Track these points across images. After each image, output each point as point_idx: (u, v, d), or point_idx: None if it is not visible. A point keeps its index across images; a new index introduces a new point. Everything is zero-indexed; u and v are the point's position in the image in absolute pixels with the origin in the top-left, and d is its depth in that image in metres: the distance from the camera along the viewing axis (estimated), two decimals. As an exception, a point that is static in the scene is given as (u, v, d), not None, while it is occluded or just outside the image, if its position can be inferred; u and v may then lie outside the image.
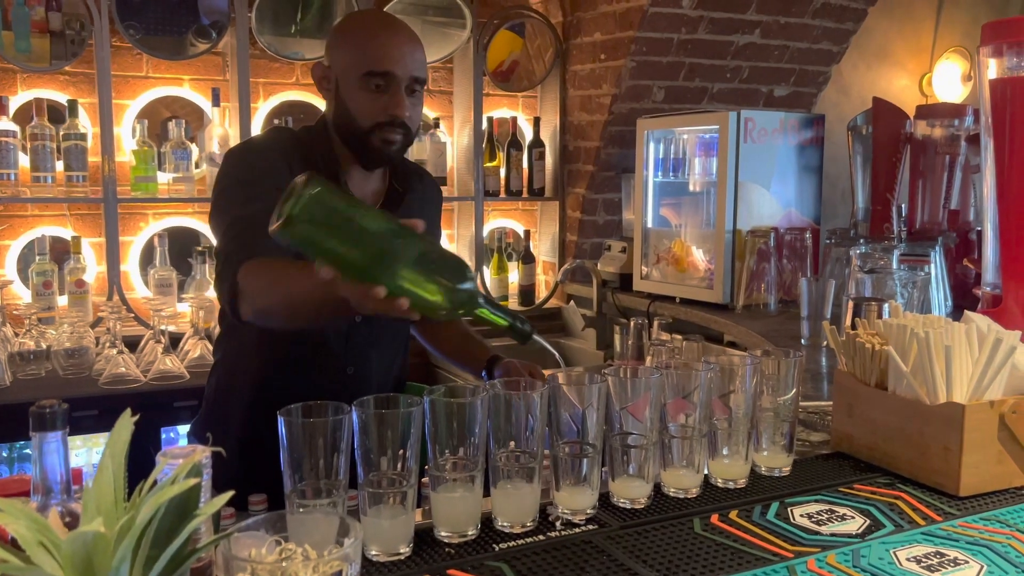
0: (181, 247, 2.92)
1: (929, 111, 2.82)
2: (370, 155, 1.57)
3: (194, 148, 2.86)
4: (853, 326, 1.36)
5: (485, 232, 3.37)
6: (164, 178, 2.82)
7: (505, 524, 1.03)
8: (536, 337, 1.18)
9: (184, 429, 2.46)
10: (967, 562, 0.96)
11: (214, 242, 1.54)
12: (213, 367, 1.74)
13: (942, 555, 0.98)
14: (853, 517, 1.08)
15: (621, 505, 1.10)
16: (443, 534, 1.01)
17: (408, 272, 1.03)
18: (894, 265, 2.06)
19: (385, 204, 1.65)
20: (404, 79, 1.52)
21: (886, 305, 1.68)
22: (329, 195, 1.01)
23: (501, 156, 3.33)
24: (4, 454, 2.47)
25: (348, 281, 1.03)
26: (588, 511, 1.07)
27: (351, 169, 1.59)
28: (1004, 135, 1.30)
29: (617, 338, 2.58)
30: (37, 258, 2.67)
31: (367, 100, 1.51)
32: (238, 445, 1.42)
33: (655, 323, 2.44)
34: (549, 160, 3.43)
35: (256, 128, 3.00)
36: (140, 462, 0.68)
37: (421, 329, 1.86)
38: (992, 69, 1.34)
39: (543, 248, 3.55)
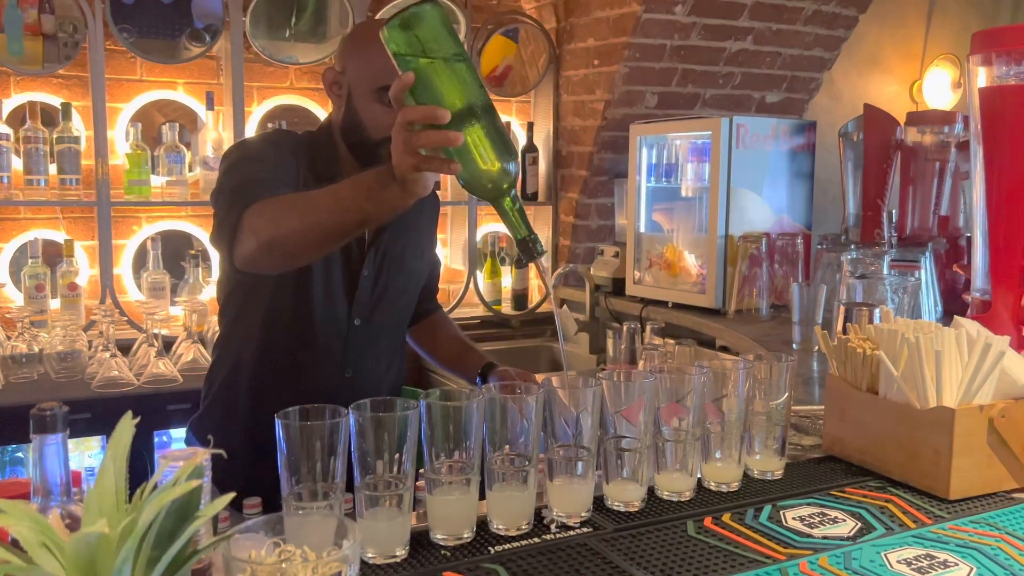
0: (174, 250, 2.92)
1: (919, 118, 2.84)
2: (379, 165, 1.57)
3: (188, 152, 2.86)
4: (844, 331, 1.38)
5: (478, 236, 3.38)
6: (157, 181, 2.82)
7: (500, 527, 1.04)
8: (540, 262, 1.15)
9: (177, 433, 2.46)
10: (957, 564, 0.97)
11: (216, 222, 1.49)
12: (211, 367, 1.74)
13: (932, 557, 0.99)
14: (844, 520, 1.09)
15: (615, 508, 1.11)
16: (439, 537, 1.01)
17: (476, 124, 1.05)
18: (885, 270, 2.08)
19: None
20: None
21: (877, 310, 1.69)
22: (447, 24, 1.05)
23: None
24: (-4, 457, 2.46)
25: (417, 101, 1.04)
26: (583, 514, 1.08)
27: (353, 174, 1.59)
28: (993, 143, 1.32)
29: (610, 342, 2.59)
30: (30, 261, 2.66)
31: (381, 113, 1.52)
32: (237, 446, 1.43)
33: (648, 328, 2.46)
34: (542, 165, 3.44)
35: (250, 132, 3.00)
36: (133, 465, 0.68)
37: (416, 335, 1.87)
38: (982, 77, 1.36)
39: (536, 252, 3.56)
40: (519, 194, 1.11)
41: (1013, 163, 1.29)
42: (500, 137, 1.07)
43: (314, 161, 1.56)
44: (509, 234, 1.15)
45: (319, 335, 1.60)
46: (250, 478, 1.26)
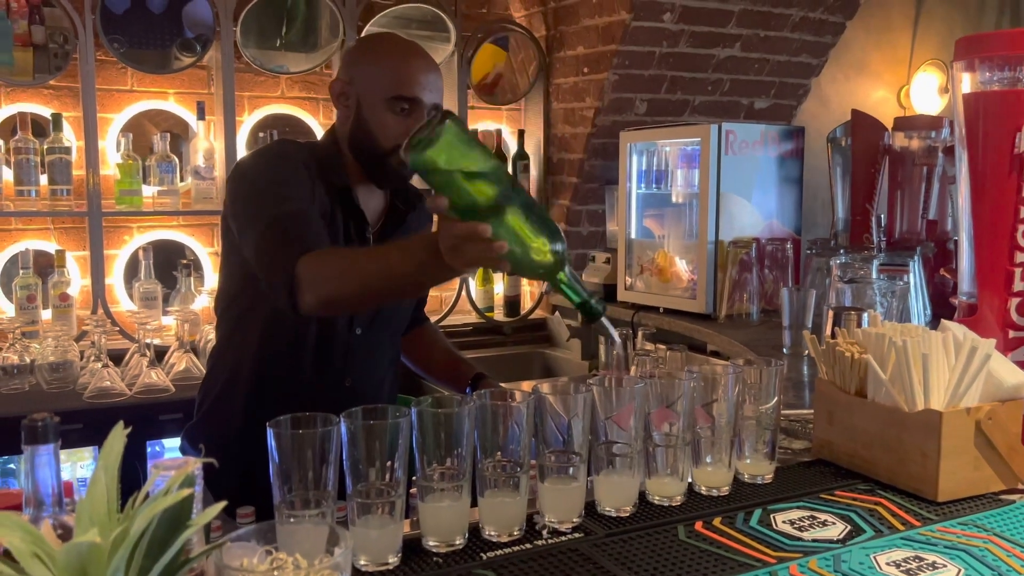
0: (166, 260, 2.91)
1: (907, 123, 2.86)
2: (386, 175, 1.60)
3: (179, 161, 2.86)
4: (833, 335, 1.39)
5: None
6: (149, 191, 2.82)
7: (492, 533, 1.05)
8: (604, 320, 1.21)
9: (170, 442, 2.45)
10: (945, 566, 0.98)
11: (238, 240, 1.54)
12: (208, 376, 1.74)
13: (921, 559, 1.00)
14: (834, 523, 1.10)
15: (607, 513, 1.12)
16: (431, 543, 1.02)
17: (516, 220, 1.10)
18: (874, 275, 2.10)
19: (388, 221, 1.67)
20: (427, 106, 1.57)
21: (865, 314, 1.71)
22: (464, 134, 1.10)
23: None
24: (-13, 469, 2.45)
25: (455, 217, 1.10)
26: (574, 519, 1.08)
27: (359, 184, 1.61)
28: (977, 148, 1.33)
29: (602, 348, 2.60)
30: (21, 272, 2.66)
31: (391, 122, 1.55)
32: (235, 455, 1.44)
33: (639, 333, 2.47)
34: (533, 172, 3.45)
35: (241, 141, 3.00)
36: (126, 475, 0.69)
37: (405, 347, 1.87)
38: (966, 83, 1.38)
39: (528, 259, 3.57)
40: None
41: (996, 168, 1.30)
42: (541, 224, 1.13)
43: (323, 171, 1.58)
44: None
45: (320, 344, 1.61)
46: (247, 486, 1.26)
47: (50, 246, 2.81)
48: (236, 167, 1.62)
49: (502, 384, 1.77)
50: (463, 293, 3.32)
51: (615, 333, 1.29)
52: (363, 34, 3.07)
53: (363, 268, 1.35)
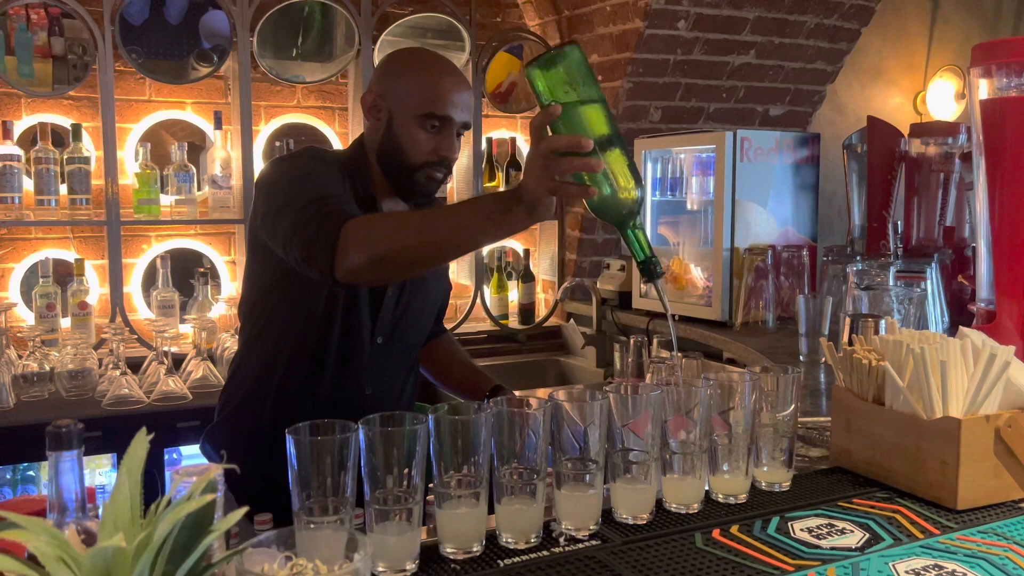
0: (183, 269, 2.94)
1: (923, 129, 2.85)
2: (412, 188, 1.62)
3: (196, 171, 2.89)
4: (850, 342, 1.38)
5: (485, 251, 3.40)
6: (167, 200, 2.84)
7: (509, 540, 1.05)
8: (660, 283, 1.23)
9: (187, 450, 2.47)
10: (965, 575, 0.97)
11: (266, 229, 1.51)
12: (229, 381, 1.75)
13: (940, 568, 0.99)
14: (852, 531, 1.09)
15: (624, 520, 1.12)
16: (448, 550, 1.02)
17: (616, 156, 1.13)
18: (891, 282, 2.08)
19: None
20: (458, 124, 1.59)
21: (883, 321, 1.70)
22: (586, 66, 1.14)
23: (500, 176, 3.36)
24: (8, 476, 2.48)
25: (561, 130, 1.12)
26: (591, 527, 1.08)
27: (384, 196, 1.63)
28: (995, 154, 1.33)
29: (617, 356, 2.60)
30: (40, 280, 2.69)
31: (422, 138, 1.57)
32: (255, 461, 1.45)
33: (654, 340, 2.46)
34: (548, 180, 3.45)
35: (258, 150, 3.03)
36: (144, 482, 0.69)
37: (423, 358, 1.88)
38: (983, 89, 1.37)
39: (543, 267, 3.58)
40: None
41: (1015, 174, 1.30)
42: (632, 166, 1.16)
43: (352, 181, 1.59)
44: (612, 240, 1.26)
45: (341, 352, 1.62)
46: (267, 492, 1.27)
47: (69, 255, 2.84)
48: (266, 170, 1.61)
49: (518, 392, 1.77)
50: (478, 301, 3.32)
51: (666, 299, 1.29)
52: (378, 44, 3.09)
53: (425, 221, 1.34)
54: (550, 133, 1.15)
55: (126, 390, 2.41)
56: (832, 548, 1.04)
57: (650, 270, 1.19)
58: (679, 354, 2.19)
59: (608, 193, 1.15)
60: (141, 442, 0.65)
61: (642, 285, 3.10)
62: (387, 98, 1.60)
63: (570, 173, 1.13)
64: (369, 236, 1.33)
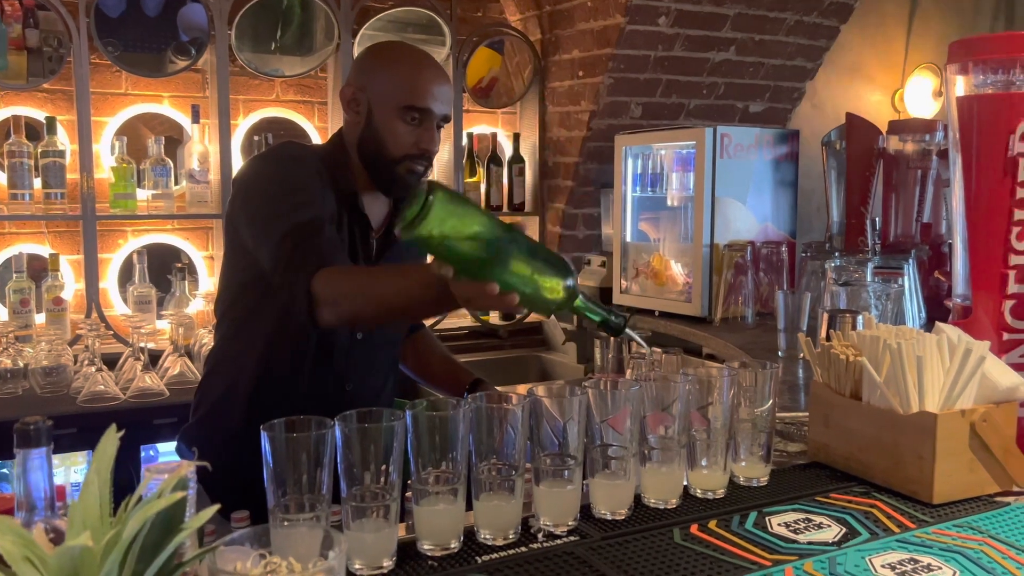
0: (160, 264, 2.91)
1: (901, 126, 2.87)
2: (394, 182, 1.61)
3: (173, 165, 2.86)
4: (828, 338, 1.39)
5: (465, 247, 3.38)
6: (143, 195, 2.81)
7: (487, 536, 1.04)
8: (628, 331, 1.24)
9: (164, 447, 2.45)
10: (940, 568, 0.98)
11: (250, 244, 1.53)
12: (206, 378, 1.73)
13: (916, 561, 1.00)
14: (829, 525, 1.10)
15: (602, 516, 1.12)
16: (426, 547, 1.01)
17: (521, 269, 1.13)
18: (868, 278, 2.10)
19: (390, 227, 1.69)
20: (438, 116, 1.59)
21: (860, 317, 1.71)
22: (453, 201, 1.10)
23: (481, 172, 3.35)
24: (-19, 474, 2.44)
25: (463, 279, 1.13)
26: (570, 523, 1.08)
27: (364, 190, 1.62)
28: (971, 151, 1.33)
29: (597, 352, 2.60)
30: (14, 276, 2.65)
31: (403, 131, 1.57)
32: (233, 459, 1.43)
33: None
34: (529, 176, 3.46)
35: (236, 145, 3.00)
36: (120, 480, 0.68)
37: (404, 356, 1.87)
38: (959, 86, 1.38)
39: (523, 263, 3.57)
40: (530, 247, 1.17)
41: (990, 171, 1.30)
42: (546, 263, 1.15)
43: (332, 176, 1.58)
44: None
45: (321, 349, 1.61)
46: (246, 490, 1.26)
47: (44, 250, 2.80)
48: (246, 169, 1.60)
49: (498, 387, 1.77)
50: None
51: (640, 339, 1.31)
52: (358, 38, 3.07)
53: (381, 291, 1.37)
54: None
55: (102, 387, 2.38)
56: (809, 543, 1.05)
57: (611, 327, 1.22)
58: (658, 349, 2.20)
59: (538, 303, 1.15)
60: (111, 439, 0.64)
61: (623, 281, 3.11)
62: (367, 91, 1.59)
63: (491, 308, 1.17)
64: (336, 296, 1.37)
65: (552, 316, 1.14)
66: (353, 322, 1.50)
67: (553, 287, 1.14)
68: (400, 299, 1.35)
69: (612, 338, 2.50)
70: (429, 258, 1.18)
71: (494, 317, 3.43)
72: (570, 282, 1.15)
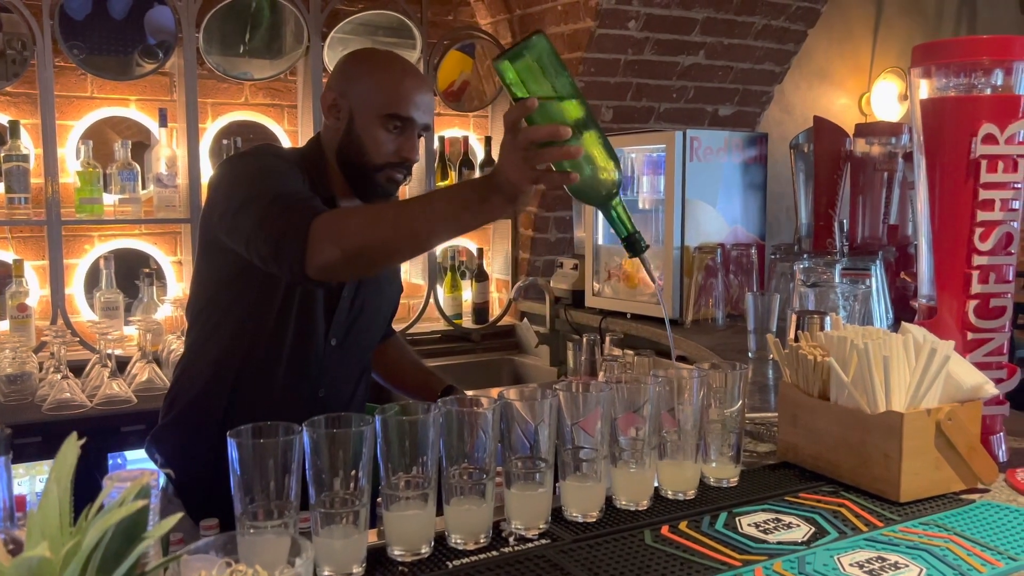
0: (128, 269, 2.87)
1: (868, 129, 2.91)
2: (373, 189, 1.60)
3: (140, 169, 2.82)
4: (796, 339, 1.40)
5: (438, 250, 3.38)
6: (110, 200, 2.77)
7: (459, 541, 1.04)
8: (645, 257, 1.25)
9: (132, 455, 2.41)
10: (907, 566, 0.99)
11: (230, 224, 1.46)
12: (176, 383, 1.70)
13: (883, 560, 1.00)
14: (799, 525, 1.11)
15: (573, 519, 1.12)
16: (396, 553, 1.01)
17: (593, 138, 1.15)
18: (836, 279, 2.12)
19: None
20: (420, 125, 1.59)
21: (828, 318, 1.73)
22: (555, 50, 1.15)
23: (453, 175, 3.35)
24: (-58, 485, 2.39)
25: (534, 122, 1.12)
26: (541, 526, 1.08)
27: (342, 195, 1.61)
28: (935, 153, 1.35)
29: (570, 354, 2.60)
30: (-23, 282, 2.60)
31: (384, 139, 1.56)
32: (203, 466, 1.42)
33: (607, 339, 2.47)
34: (500, 179, 3.45)
35: (205, 148, 2.97)
36: (87, 490, 0.67)
37: (375, 363, 1.86)
38: (923, 89, 1.40)
39: (496, 266, 3.57)
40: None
41: (953, 172, 1.32)
42: (607, 146, 1.17)
43: (310, 179, 1.56)
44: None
45: (295, 354, 1.59)
46: (219, 496, 1.24)
47: (7, 255, 2.75)
48: (223, 168, 1.57)
49: (471, 391, 1.77)
50: (431, 300, 3.30)
51: (654, 270, 1.31)
52: (327, 41, 3.05)
53: (400, 213, 1.31)
54: (524, 124, 1.15)
55: (68, 394, 2.34)
56: (779, 542, 1.05)
57: (635, 245, 1.23)
58: (631, 352, 2.20)
59: (589, 176, 1.17)
60: (71, 448, 0.63)
61: (595, 284, 3.11)
62: (348, 98, 1.58)
63: (550, 161, 1.14)
64: (343, 230, 1.30)
65: (579, 204, 1.19)
66: (359, 258, 1.31)
67: (609, 169, 1.17)
68: (426, 215, 1.27)
69: (584, 340, 2.51)
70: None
71: (467, 320, 3.42)
72: (619, 173, 1.19)
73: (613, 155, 1.18)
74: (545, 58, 1.14)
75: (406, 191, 3.35)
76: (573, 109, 1.15)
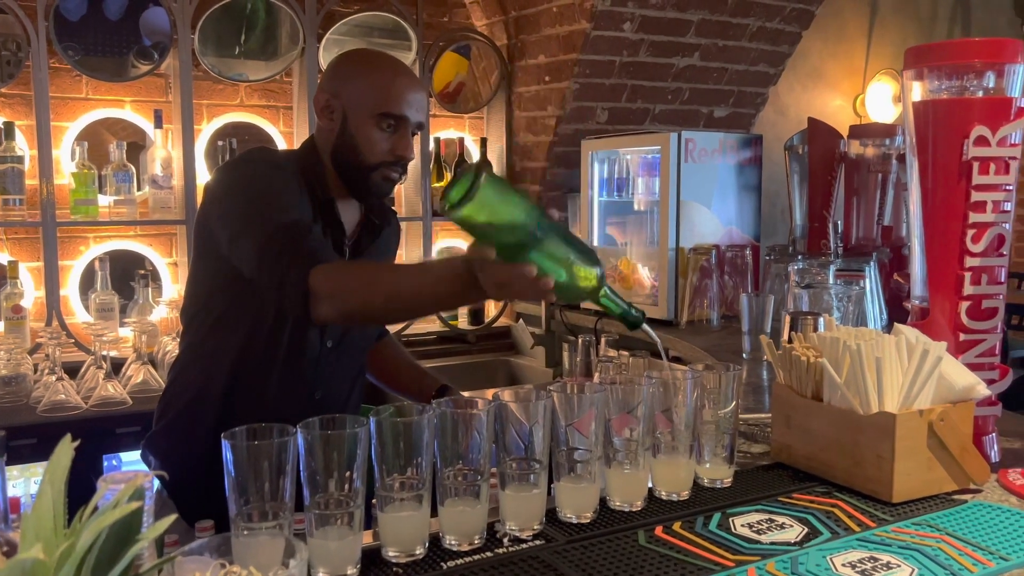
0: (123, 271, 2.87)
1: (862, 131, 2.92)
2: (369, 189, 1.61)
3: (136, 170, 2.82)
4: (790, 340, 1.41)
5: (433, 252, 3.38)
6: (105, 201, 2.77)
7: (453, 542, 1.04)
8: (645, 326, 1.28)
9: (128, 456, 2.41)
10: (899, 566, 0.99)
11: (229, 245, 1.50)
12: (171, 386, 1.70)
13: (876, 560, 1.01)
14: (792, 526, 1.11)
15: (568, 520, 1.12)
16: (391, 554, 1.01)
17: (559, 255, 1.16)
18: (830, 280, 2.13)
19: (362, 233, 1.68)
20: (413, 124, 1.59)
21: (821, 319, 1.73)
22: (499, 185, 1.12)
23: (448, 176, 3.35)
24: (-63, 487, 2.38)
25: (499, 263, 1.14)
26: (535, 527, 1.08)
27: (338, 196, 1.61)
28: (927, 154, 1.36)
29: (566, 355, 2.60)
30: (-28, 284, 2.60)
31: (378, 138, 1.57)
32: (198, 468, 1.41)
33: (602, 340, 2.47)
34: (496, 180, 3.45)
35: (200, 150, 2.97)
36: (82, 491, 0.67)
37: (369, 364, 1.86)
38: (916, 91, 1.40)
39: (491, 267, 3.57)
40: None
41: (945, 174, 1.33)
42: (581, 252, 1.18)
43: (307, 182, 1.57)
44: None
45: (292, 357, 1.59)
46: (214, 498, 1.24)
47: (3, 257, 2.75)
48: (221, 174, 1.58)
49: (467, 392, 1.77)
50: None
51: (655, 335, 1.33)
52: (323, 43, 3.05)
53: (391, 285, 1.37)
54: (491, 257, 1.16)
55: (63, 396, 2.34)
56: (772, 543, 1.06)
57: (630, 322, 1.26)
58: (626, 353, 2.21)
59: (569, 289, 1.18)
60: (65, 449, 0.63)
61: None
62: (341, 98, 1.58)
63: (524, 293, 1.19)
64: (339, 291, 1.36)
65: (555, 304, 1.20)
66: (355, 318, 1.48)
67: (587, 275, 1.18)
68: (416, 293, 1.34)
69: (579, 341, 2.51)
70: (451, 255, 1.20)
71: (462, 321, 3.43)
72: (600, 272, 1.20)
73: (587, 259, 1.18)
74: (493, 198, 1.10)
75: (401, 190, 3.36)
76: (528, 235, 1.13)
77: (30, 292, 2.76)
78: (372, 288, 1.37)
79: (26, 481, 2.38)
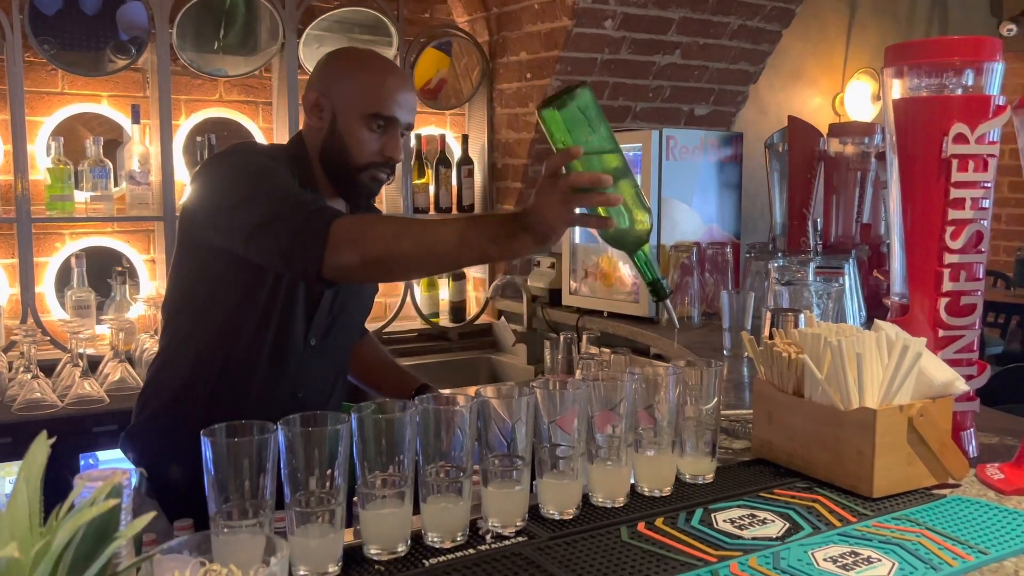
0: (100, 267, 2.83)
1: (841, 129, 2.94)
2: (357, 189, 1.60)
3: (113, 166, 2.79)
4: (771, 336, 1.41)
5: (414, 249, 3.36)
6: (81, 197, 2.74)
7: (435, 539, 1.04)
8: (668, 302, 1.29)
9: (105, 455, 2.38)
10: (880, 560, 1.00)
11: (223, 222, 1.44)
12: (151, 383, 1.67)
13: (856, 554, 1.02)
14: (773, 521, 1.12)
15: (550, 516, 1.12)
16: (373, 551, 1.00)
17: (629, 189, 1.19)
18: (810, 277, 2.14)
19: None
20: (403, 124, 1.58)
21: (802, 315, 1.74)
22: (597, 103, 1.20)
23: (430, 173, 3.34)
24: (-91, 487, 2.35)
25: (579, 167, 1.17)
26: (518, 523, 1.08)
27: (327, 196, 1.60)
28: (907, 152, 1.37)
29: (547, 353, 2.60)
30: (-55, 281, 2.56)
31: (368, 139, 1.56)
32: (178, 466, 1.40)
33: (584, 337, 2.48)
34: (478, 177, 3.45)
35: (178, 145, 2.94)
36: (59, 491, 0.66)
37: (350, 364, 1.85)
38: (895, 89, 1.41)
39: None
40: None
41: (925, 171, 1.34)
42: (641, 197, 1.22)
43: (296, 179, 1.55)
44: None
45: (275, 355, 1.58)
46: (195, 496, 1.23)
47: (-24, 254, 2.71)
48: (214, 163, 1.55)
49: (448, 390, 1.76)
50: (408, 299, 3.29)
51: (675, 315, 1.35)
52: (303, 38, 3.03)
53: (426, 231, 1.32)
54: (564, 171, 1.18)
55: (38, 394, 2.31)
56: (754, 538, 1.06)
57: (659, 291, 1.26)
58: (608, 350, 2.21)
59: (624, 225, 1.21)
60: (41, 446, 0.62)
61: (572, 282, 3.12)
62: (330, 97, 1.57)
63: (588, 207, 1.18)
64: (366, 236, 1.31)
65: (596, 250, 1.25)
66: (379, 266, 1.32)
67: (643, 220, 1.21)
68: (446, 239, 1.27)
69: (561, 339, 2.51)
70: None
71: (444, 319, 3.42)
72: (651, 223, 1.23)
73: (646, 206, 1.22)
74: (590, 110, 1.18)
75: (383, 191, 3.34)
76: (612, 159, 1.19)
77: (5, 289, 2.72)
78: (402, 232, 1.31)
79: (0, 480, 2.35)
